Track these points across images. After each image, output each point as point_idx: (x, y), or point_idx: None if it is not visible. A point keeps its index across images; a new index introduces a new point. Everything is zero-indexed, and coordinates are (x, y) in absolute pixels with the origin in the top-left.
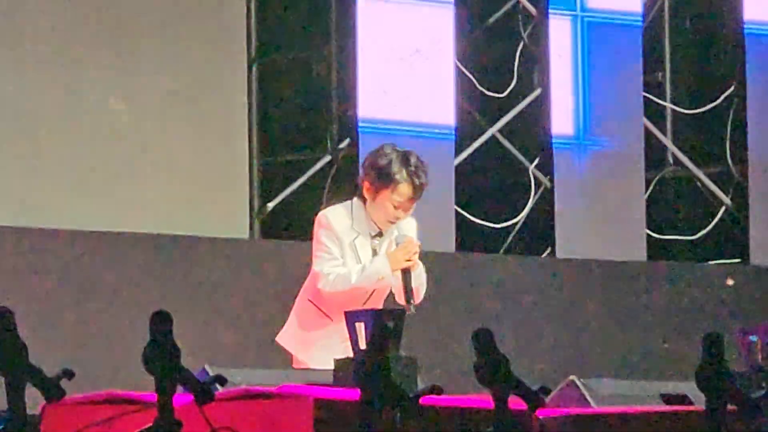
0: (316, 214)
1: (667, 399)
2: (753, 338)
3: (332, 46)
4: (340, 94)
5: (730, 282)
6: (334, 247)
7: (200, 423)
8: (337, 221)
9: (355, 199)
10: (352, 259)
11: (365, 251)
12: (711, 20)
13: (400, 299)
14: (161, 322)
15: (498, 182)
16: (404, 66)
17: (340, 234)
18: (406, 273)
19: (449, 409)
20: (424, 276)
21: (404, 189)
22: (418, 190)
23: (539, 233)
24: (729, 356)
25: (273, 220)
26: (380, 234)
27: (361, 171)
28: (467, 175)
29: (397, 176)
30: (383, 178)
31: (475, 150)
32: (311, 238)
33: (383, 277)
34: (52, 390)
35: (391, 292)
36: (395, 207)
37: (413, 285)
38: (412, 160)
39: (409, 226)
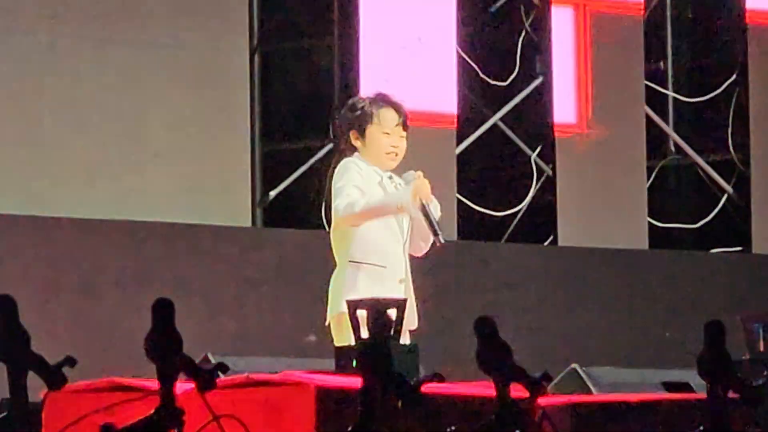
0: (319, 202)
1: (669, 387)
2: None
3: (334, 34)
4: (342, 83)
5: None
6: (359, 179)
7: (202, 410)
8: (354, 163)
9: (351, 156)
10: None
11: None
12: (712, 9)
13: (424, 240)
14: (163, 309)
15: (500, 170)
16: (406, 54)
17: (363, 173)
18: (424, 207)
19: (451, 397)
20: (439, 213)
21: (387, 114)
22: (400, 112)
23: (541, 221)
24: (730, 344)
25: (275, 208)
26: (390, 177)
27: (341, 130)
28: (469, 163)
29: (375, 107)
30: (365, 116)
31: (477, 138)
32: (314, 227)
33: (403, 206)
34: (54, 378)
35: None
36: (385, 135)
37: (435, 216)
38: (385, 95)
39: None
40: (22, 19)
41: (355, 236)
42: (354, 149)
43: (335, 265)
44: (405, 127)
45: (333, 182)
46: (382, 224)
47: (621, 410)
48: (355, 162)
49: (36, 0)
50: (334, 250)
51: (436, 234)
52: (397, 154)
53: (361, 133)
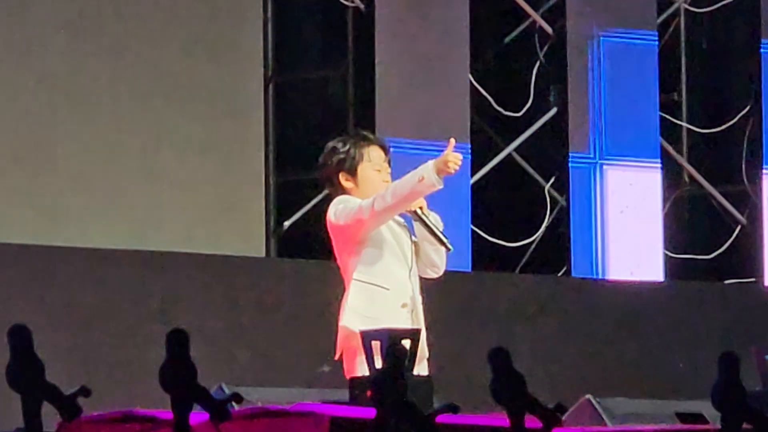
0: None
1: (683, 418)
2: None
3: (349, 64)
4: (356, 113)
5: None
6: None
7: None
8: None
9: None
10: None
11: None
12: (727, 39)
13: (434, 255)
14: (178, 339)
15: (514, 201)
16: (420, 84)
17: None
18: (420, 218)
19: (465, 427)
20: (441, 224)
21: (375, 151)
22: (386, 148)
23: (555, 252)
24: (744, 376)
25: (289, 238)
26: None
27: (327, 175)
28: (483, 193)
29: (362, 146)
30: (353, 156)
31: (492, 169)
32: (328, 257)
33: (425, 177)
34: (68, 408)
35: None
36: (377, 172)
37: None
38: (364, 132)
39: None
40: (36, 50)
41: (361, 256)
42: (344, 192)
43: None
44: (389, 162)
45: (334, 212)
46: (387, 248)
47: None
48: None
49: (51, 30)
50: (342, 273)
51: (441, 241)
52: None
53: (352, 174)
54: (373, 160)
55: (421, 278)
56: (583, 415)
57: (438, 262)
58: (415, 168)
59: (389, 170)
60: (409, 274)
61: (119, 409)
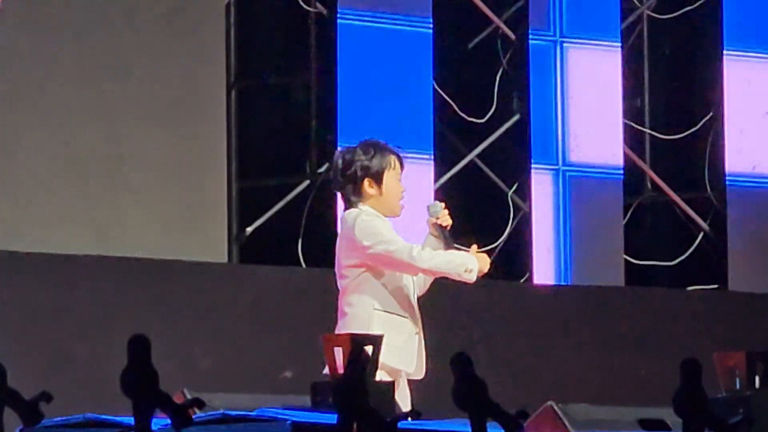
0: (295, 239)
1: (645, 424)
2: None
3: (311, 70)
4: (319, 119)
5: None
6: (387, 229)
7: None
8: (372, 216)
9: (363, 207)
10: None
11: None
12: (690, 46)
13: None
14: (139, 345)
15: (476, 207)
16: (383, 90)
17: (385, 222)
18: (444, 235)
19: None
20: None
21: (397, 162)
22: (402, 159)
23: (517, 259)
24: (706, 382)
25: (252, 244)
26: None
27: (348, 179)
28: (446, 199)
29: (387, 153)
30: (380, 162)
31: (454, 175)
32: (290, 263)
33: (470, 270)
34: (29, 413)
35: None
36: (398, 182)
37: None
38: (380, 142)
39: None
40: (3, 57)
41: (379, 285)
42: (360, 197)
43: (335, 310)
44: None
45: (366, 237)
46: (406, 277)
47: None
48: (367, 213)
49: (15, 37)
50: (347, 297)
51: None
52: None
53: (378, 181)
54: (396, 168)
55: None
56: (545, 422)
57: (425, 288)
58: None
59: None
60: (416, 300)
61: (80, 414)
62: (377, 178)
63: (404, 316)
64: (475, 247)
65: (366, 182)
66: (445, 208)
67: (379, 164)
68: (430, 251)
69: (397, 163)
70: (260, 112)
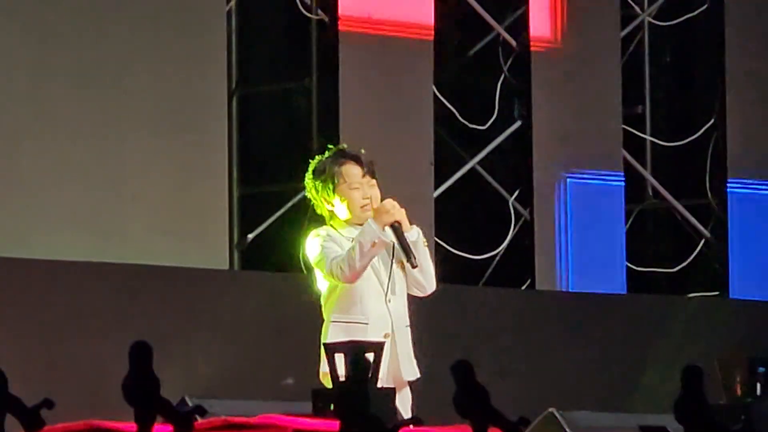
0: (296, 246)
1: (646, 431)
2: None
3: (313, 77)
4: (320, 125)
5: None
6: (335, 245)
7: None
8: (326, 231)
9: (328, 226)
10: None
11: None
12: (690, 53)
13: (418, 275)
14: (141, 352)
15: (478, 214)
16: (384, 97)
17: (337, 239)
18: (396, 231)
19: None
20: (421, 239)
21: (350, 169)
22: (363, 164)
23: (519, 265)
24: (707, 389)
25: (253, 251)
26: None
27: (312, 196)
28: (447, 206)
29: (336, 165)
30: (330, 177)
31: (455, 182)
32: (292, 269)
33: (376, 239)
34: (31, 420)
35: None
36: (354, 190)
37: (409, 240)
38: (343, 148)
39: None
40: (2, 62)
41: (337, 295)
42: (327, 217)
43: (323, 321)
44: (372, 174)
45: (311, 255)
46: (363, 280)
47: None
48: (332, 230)
49: (16, 44)
50: (322, 308)
51: (408, 256)
52: (371, 204)
53: (332, 193)
54: (349, 179)
55: (409, 296)
56: (546, 428)
57: (423, 282)
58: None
59: (372, 182)
60: (386, 302)
61: (81, 421)
62: (329, 195)
63: (364, 323)
64: (388, 200)
65: (324, 198)
66: (385, 203)
67: (330, 180)
68: (343, 257)
69: (351, 172)
70: (261, 118)
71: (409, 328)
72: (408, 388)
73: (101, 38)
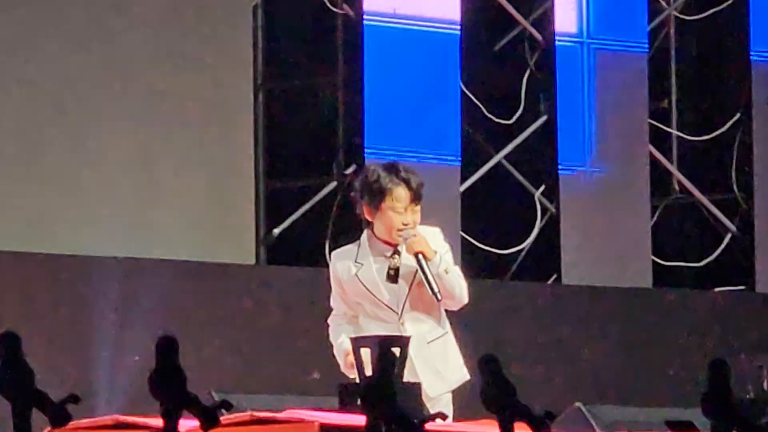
0: (323, 240)
1: (672, 425)
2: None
3: (338, 72)
4: (346, 120)
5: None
6: (337, 287)
7: None
8: (335, 261)
9: (365, 231)
10: (356, 294)
11: (378, 275)
12: (717, 47)
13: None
14: (167, 346)
15: (504, 209)
16: (410, 92)
17: (339, 273)
18: (419, 261)
19: None
20: (443, 266)
21: (400, 193)
22: (413, 190)
23: (545, 260)
24: (734, 383)
25: (279, 245)
26: (397, 252)
27: (355, 197)
28: (473, 201)
29: (389, 184)
30: (377, 192)
31: (481, 176)
32: (319, 264)
33: (348, 353)
34: (58, 415)
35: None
36: (397, 214)
37: (431, 272)
38: (399, 166)
39: (431, 234)
40: (25, 58)
41: (349, 317)
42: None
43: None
44: (419, 200)
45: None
46: (371, 309)
47: None
48: (338, 257)
49: (41, 38)
50: None
51: (431, 290)
52: (410, 228)
53: (374, 208)
54: (395, 202)
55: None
56: (572, 423)
57: (451, 304)
58: None
59: (417, 207)
60: (399, 323)
61: (108, 416)
62: (373, 206)
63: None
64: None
65: (364, 207)
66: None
67: (376, 193)
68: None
69: (401, 196)
70: (288, 113)
71: (437, 341)
72: (448, 395)
73: (128, 34)
